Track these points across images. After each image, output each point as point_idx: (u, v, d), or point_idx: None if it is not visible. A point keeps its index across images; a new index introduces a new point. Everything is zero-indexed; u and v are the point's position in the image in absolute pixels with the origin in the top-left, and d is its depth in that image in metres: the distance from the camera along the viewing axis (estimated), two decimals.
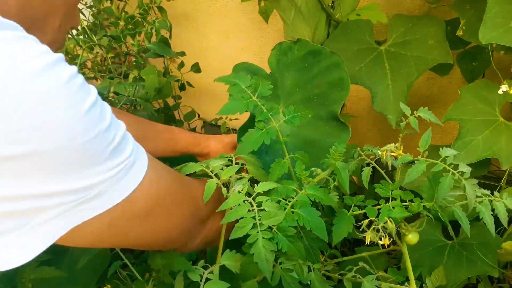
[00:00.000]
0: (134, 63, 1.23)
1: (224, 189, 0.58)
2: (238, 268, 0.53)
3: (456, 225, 0.68)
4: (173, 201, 0.51)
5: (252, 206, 0.52)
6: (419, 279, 0.88)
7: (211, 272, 0.53)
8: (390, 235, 0.55)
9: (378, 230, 0.55)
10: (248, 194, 0.55)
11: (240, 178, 0.59)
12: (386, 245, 0.55)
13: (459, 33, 0.90)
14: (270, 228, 0.50)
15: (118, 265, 0.67)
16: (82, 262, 0.68)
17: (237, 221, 0.52)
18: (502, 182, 0.98)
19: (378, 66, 0.97)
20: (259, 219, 0.50)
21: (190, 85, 1.57)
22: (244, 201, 0.53)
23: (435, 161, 0.52)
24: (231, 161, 0.65)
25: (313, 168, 0.58)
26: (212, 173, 0.60)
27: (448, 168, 0.52)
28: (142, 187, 0.43)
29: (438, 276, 0.87)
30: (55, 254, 0.72)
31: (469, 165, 0.90)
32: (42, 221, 0.36)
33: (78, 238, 0.40)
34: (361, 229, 0.56)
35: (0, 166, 0.32)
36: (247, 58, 1.54)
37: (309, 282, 0.54)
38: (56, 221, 0.36)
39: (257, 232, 0.49)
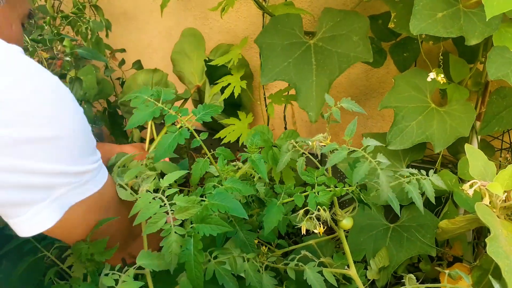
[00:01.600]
0: (67, 62, 1.18)
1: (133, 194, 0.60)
2: (157, 266, 0.52)
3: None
4: (120, 203, 0.63)
5: (163, 201, 0.54)
6: (364, 261, 0.92)
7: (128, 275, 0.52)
8: (326, 223, 0.57)
9: (314, 219, 0.56)
10: (157, 191, 0.57)
11: (147, 177, 0.60)
12: (321, 233, 0.56)
13: (391, 25, 0.93)
14: (182, 223, 0.52)
15: (53, 272, 0.65)
16: (17, 272, 0.65)
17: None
18: (437, 165, 1.04)
19: (306, 62, 0.97)
20: (172, 212, 0.51)
21: None
22: (154, 198, 0.54)
23: (356, 149, 0.54)
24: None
25: (234, 163, 0.59)
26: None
27: (366, 156, 0.54)
28: (107, 184, 0.57)
29: (381, 258, 0.91)
30: None
31: (406, 149, 0.95)
32: (57, 196, 0.49)
33: (71, 218, 0.53)
34: (297, 220, 0.57)
35: (34, 147, 0.44)
36: None
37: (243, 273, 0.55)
38: (65, 197, 0.50)
39: (170, 226, 0.51)
